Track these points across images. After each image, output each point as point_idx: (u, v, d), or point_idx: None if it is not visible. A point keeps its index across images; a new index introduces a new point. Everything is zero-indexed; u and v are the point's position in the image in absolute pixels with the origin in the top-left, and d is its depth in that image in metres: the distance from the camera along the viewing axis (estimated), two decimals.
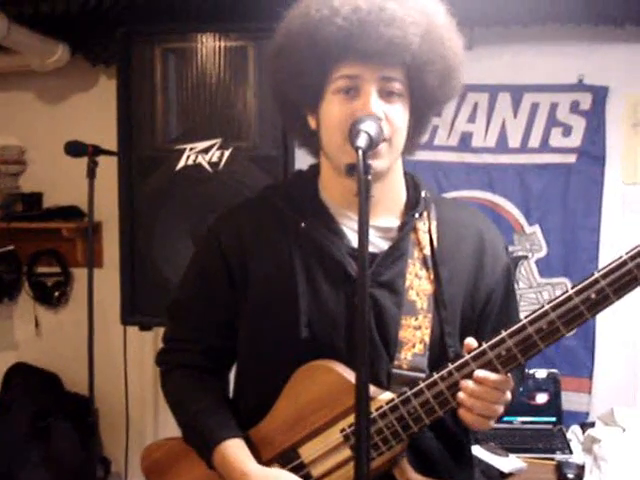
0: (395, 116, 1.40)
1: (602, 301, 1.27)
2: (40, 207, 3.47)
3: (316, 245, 1.47)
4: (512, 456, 2.72)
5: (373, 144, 1.29)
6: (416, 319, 1.45)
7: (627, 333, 3.04)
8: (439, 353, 1.44)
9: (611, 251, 3.09)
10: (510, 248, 3.15)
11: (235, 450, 1.47)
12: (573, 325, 1.29)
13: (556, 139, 3.10)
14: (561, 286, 3.10)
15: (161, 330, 3.26)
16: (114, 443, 3.41)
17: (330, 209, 1.51)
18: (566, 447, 2.82)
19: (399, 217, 1.51)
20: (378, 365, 1.43)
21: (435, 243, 1.49)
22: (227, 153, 2.54)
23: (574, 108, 3.07)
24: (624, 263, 1.26)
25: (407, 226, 1.49)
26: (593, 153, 3.07)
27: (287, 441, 1.47)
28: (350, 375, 1.39)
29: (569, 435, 2.96)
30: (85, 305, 2.87)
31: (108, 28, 2.77)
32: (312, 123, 1.48)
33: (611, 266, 1.27)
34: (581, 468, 2.65)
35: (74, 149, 2.79)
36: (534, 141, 3.11)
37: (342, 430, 1.42)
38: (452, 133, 3.14)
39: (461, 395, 1.34)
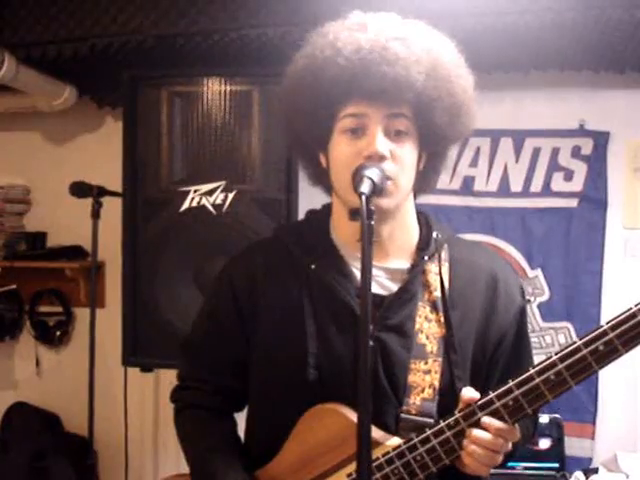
0: (402, 154, 1.40)
1: (610, 353, 1.27)
2: (44, 246, 3.48)
3: (325, 287, 1.46)
4: None
5: (377, 190, 1.30)
6: (425, 363, 1.43)
7: (630, 379, 3.03)
8: (449, 398, 1.42)
9: (613, 295, 3.09)
10: None
11: None
12: (581, 377, 1.29)
13: (558, 183, 3.12)
14: (564, 330, 3.09)
15: (162, 372, 3.31)
16: None
17: (340, 250, 1.51)
18: None
19: (410, 258, 1.50)
20: (386, 409, 1.42)
21: (447, 285, 1.48)
22: (231, 196, 2.55)
23: (575, 153, 3.10)
24: (633, 315, 1.25)
25: (417, 268, 1.47)
26: (595, 197, 3.09)
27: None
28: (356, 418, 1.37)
29: None
30: (86, 345, 2.86)
31: (115, 71, 2.80)
32: (323, 161, 1.50)
33: (620, 318, 1.26)
34: None
35: (79, 190, 2.80)
36: (536, 185, 3.13)
37: (349, 475, 1.41)
38: (454, 177, 3.16)
39: (465, 441, 1.33)
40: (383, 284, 1.47)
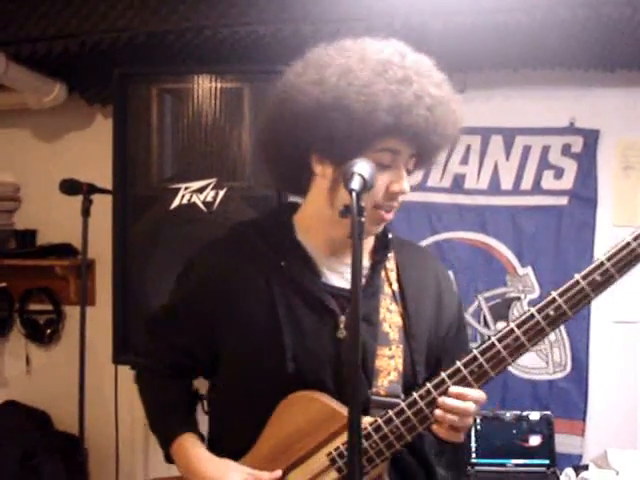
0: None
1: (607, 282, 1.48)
2: (34, 244, 3.47)
3: (296, 282, 1.54)
4: None
5: (367, 186, 1.31)
6: (390, 349, 1.55)
7: (620, 376, 3.04)
8: (411, 380, 1.55)
9: (603, 293, 3.10)
10: (503, 289, 3.17)
11: (192, 441, 1.59)
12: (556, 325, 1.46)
13: (548, 181, 3.13)
14: None
15: None
16: None
17: (308, 250, 1.58)
18: None
19: (369, 256, 1.61)
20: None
21: (402, 280, 1.62)
22: (221, 193, 2.55)
23: (566, 151, 3.11)
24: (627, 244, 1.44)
25: (379, 265, 1.60)
26: (585, 195, 3.10)
27: (275, 468, 1.52)
28: (332, 402, 1.49)
29: (562, 478, 2.93)
30: (77, 343, 2.85)
31: (105, 68, 2.79)
32: (319, 169, 1.50)
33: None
34: None
35: (69, 187, 2.79)
36: (526, 183, 3.14)
37: (328, 454, 1.49)
38: (445, 175, 3.17)
39: (437, 411, 1.45)
40: (348, 279, 1.45)
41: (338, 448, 1.48)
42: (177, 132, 2.62)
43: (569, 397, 3.06)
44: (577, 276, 1.44)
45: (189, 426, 1.63)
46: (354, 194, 1.26)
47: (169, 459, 1.63)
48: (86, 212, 2.78)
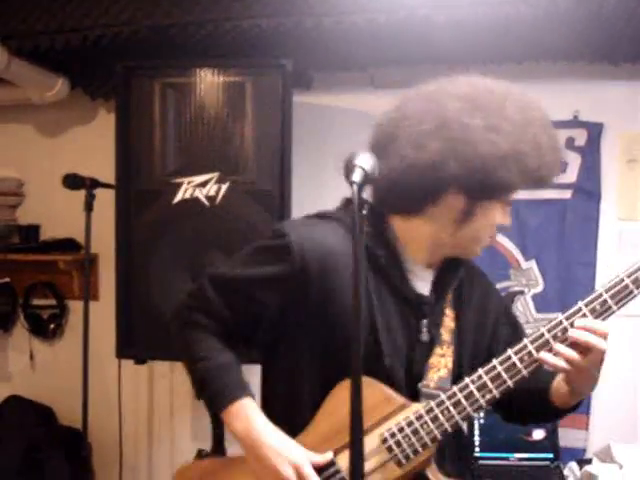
0: None
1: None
2: (37, 239, 3.47)
3: (391, 281, 1.59)
4: None
5: (369, 179, 1.30)
6: (441, 348, 1.65)
7: (624, 370, 3.03)
8: (456, 378, 1.61)
9: None
10: (506, 283, 3.16)
11: (255, 407, 1.57)
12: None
13: None
14: None
15: (156, 364, 3.30)
16: (107, 478, 3.37)
17: (401, 255, 1.61)
18: None
19: (440, 264, 1.67)
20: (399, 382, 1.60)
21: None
22: (224, 187, 2.55)
23: (569, 144, 3.09)
24: None
25: (453, 273, 1.68)
26: (588, 189, 3.09)
27: (326, 450, 1.54)
28: (386, 388, 1.55)
29: (566, 472, 2.93)
30: (80, 338, 2.86)
31: (108, 62, 2.79)
32: (456, 203, 1.52)
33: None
34: None
35: (72, 182, 2.80)
36: None
37: (380, 435, 1.54)
38: None
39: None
40: (429, 287, 1.65)
41: (390, 429, 1.53)
42: (180, 126, 2.62)
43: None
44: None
45: (250, 391, 1.59)
46: (355, 187, 1.26)
47: (216, 419, 1.65)
48: (89, 207, 2.79)
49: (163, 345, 2.61)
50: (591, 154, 3.09)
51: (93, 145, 3.33)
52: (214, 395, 1.58)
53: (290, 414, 1.62)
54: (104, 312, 3.02)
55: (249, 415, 1.55)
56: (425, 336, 1.63)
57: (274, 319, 1.59)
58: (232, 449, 2.72)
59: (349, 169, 1.30)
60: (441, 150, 1.46)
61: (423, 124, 1.49)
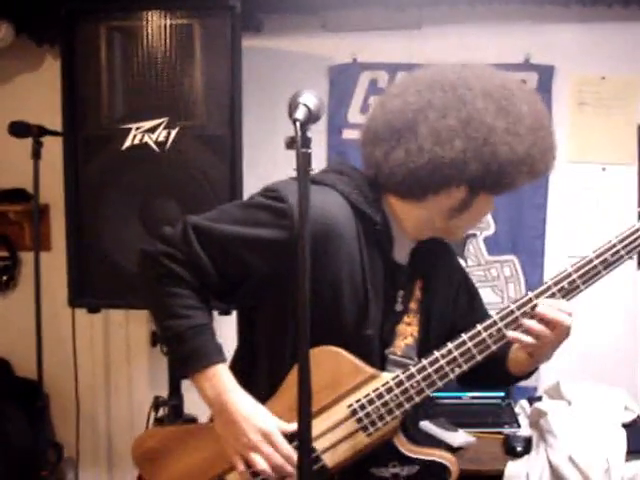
0: None
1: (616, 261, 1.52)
2: None
3: (381, 250, 1.60)
4: (461, 431, 2.77)
5: (312, 117, 1.29)
6: (408, 317, 1.67)
7: (574, 311, 3.09)
8: (422, 345, 1.66)
9: (557, 228, 3.15)
10: None
11: (228, 374, 1.54)
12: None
13: None
14: (509, 263, 3.15)
15: (111, 312, 3.29)
16: (66, 428, 3.37)
17: (389, 222, 1.62)
18: (514, 421, 2.88)
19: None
20: (375, 351, 1.62)
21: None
22: (174, 132, 2.51)
23: None
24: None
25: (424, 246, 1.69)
26: None
27: (293, 419, 1.49)
28: (355, 359, 1.56)
29: (517, 409, 3.01)
30: (34, 289, 2.83)
31: (53, 7, 2.71)
32: (458, 194, 1.53)
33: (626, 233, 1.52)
34: (528, 441, 2.71)
35: (18, 129, 2.74)
36: None
37: (349, 406, 1.55)
38: None
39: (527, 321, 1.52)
40: (406, 256, 1.67)
41: (359, 400, 1.55)
42: (127, 71, 2.57)
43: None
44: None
45: (223, 356, 1.56)
46: (298, 124, 1.24)
47: (182, 377, 1.61)
48: (37, 155, 2.73)
49: (116, 293, 2.63)
50: (542, 97, 3.01)
51: (40, 93, 3.24)
52: (187, 356, 1.53)
53: (257, 378, 1.61)
54: (57, 262, 2.99)
55: (221, 380, 1.53)
56: (399, 307, 1.66)
57: (258, 283, 1.55)
58: (188, 395, 2.76)
59: (293, 107, 1.28)
60: (464, 149, 1.47)
61: (447, 118, 1.48)
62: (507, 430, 2.81)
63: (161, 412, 2.81)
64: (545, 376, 3.09)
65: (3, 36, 3.13)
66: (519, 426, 2.84)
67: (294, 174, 1.31)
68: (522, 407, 3.03)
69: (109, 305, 2.80)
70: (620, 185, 3.14)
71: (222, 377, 1.53)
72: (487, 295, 3.13)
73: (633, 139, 3.14)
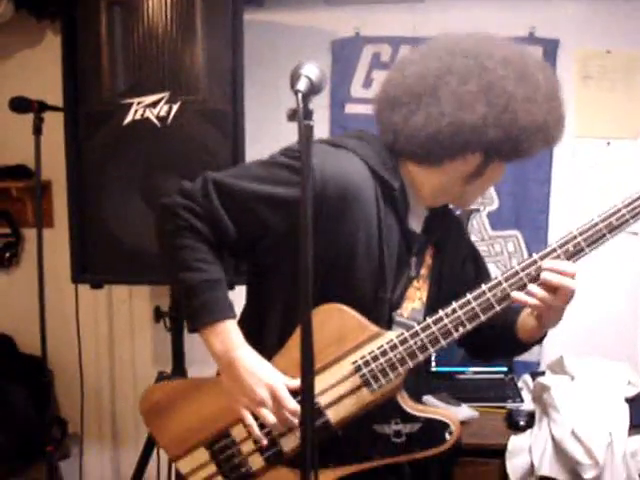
0: None
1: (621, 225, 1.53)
2: None
3: (398, 215, 1.62)
4: (464, 405, 2.78)
5: (314, 89, 1.28)
6: (418, 282, 1.72)
7: (577, 285, 3.09)
8: (429, 311, 1.67)
9: (561, 203, 3.14)
10: None
11: (237, 330, 1.58)
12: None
13: None
14: (512, 238, 3.14)
15: (115, 290, 3.29)
16: (70, 404, 3.39)
17: (406, 188, 1.63)
18: (517, 395, 2.89)
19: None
20: (384, 312, 1.65)
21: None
22: (175, 107, 2.49)
23: None
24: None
25: (441, 212, 1.75)
26: None
27: (296, 376, 1.53)
28: (361, 316, 1.58)
29: (520, 384, 3.02)
30: (37, 265, 2.82)
31: None
32: (473, 160, 1.56)
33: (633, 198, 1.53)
34: (531, 415, 2.72)
35: (19, 105, 2.71)
36: None
37: (354, 362, 1.58)
38: None
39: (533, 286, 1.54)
40: (420, 224, 1.71)
41: (364, 357, 1.58)
42: (128, 45, 2.53)
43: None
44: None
45: (234, 312, 1.60)
46: (299, 96, 1.23)
47: (192, 331, 1.59)
48: (38, 130, 2.71)
49: (119, 269, 2.63)
50: None
51: (40, 68, 3.22)
52: (198, 310, 1.56)
53: (266, 335, 1.64)
54: (60, 238, 2.98)
55: (230, 336, 1.56)
56: (412, 272, 1.70)
57: (275, 241, 1.58)
58: (192, 370, 2.76)
59: (295, 78, 1.27)
60: (485, 114, 1.48)
61: (468, 84, 1.49)
62: (510, 405, 2.82)
63: None
64: (548, 351, 3.10)
65: (3, 12, 3.10)
66: (522, 401, 2.85)
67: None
68: (525, 382, 3.04)
69: (112, 281, 2.80)
70: (625, 159, 3.12)
71: (231, 333, 1.56)
72: (491, 270, 3.10)
73: (638, 113, 3.12)
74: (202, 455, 1.68)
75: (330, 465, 1.61)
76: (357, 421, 1.60)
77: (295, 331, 1.57)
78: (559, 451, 2.54)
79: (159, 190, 2.52)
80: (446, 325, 1.56)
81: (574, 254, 1.54)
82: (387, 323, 1.65)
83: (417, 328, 1.57)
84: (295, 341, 1.56)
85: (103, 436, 3.51)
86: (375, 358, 1.57)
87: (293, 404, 1.54)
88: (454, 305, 1.56)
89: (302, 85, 1.25)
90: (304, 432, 1.28)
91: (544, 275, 1.52)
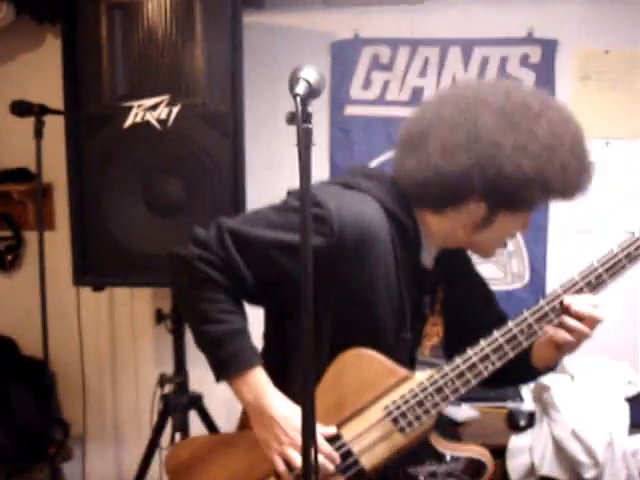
0: None
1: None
2: None
3: (411, 254, 1.62)
4: (465, 405, 2.79)
5: (313, 92, 1.28)
6: (433, 317, 1.73)
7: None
8: (446, 345, 1.74)
9: (561, 203, 3.13)
10: None
11: (266, 377, 1.56)
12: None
13: None
14: (512, 239, 3.14)
15: (116, 292, 3.30)
16: (72, 406, 3.39)
17: (419, 229, 1.62)
18: (517, 395, 2.89)
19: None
20: (405, 354, 1.65)
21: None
22: (175, 110, 2.50)
23: (524, 62, 3.08)
24: None
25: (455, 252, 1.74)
26: None
27: (329, 422, 1.56)
28: (387, 360, 1.57)
29: None
30: (39, 268, 2.83)
31: None
32: (478, 211, 1.54)
33: None
34: (531, 415, 2.72)
35: (20, 108, 2.73)
36: None
37: (385, 407, 1.56)
38: (403, 88, 3.13)
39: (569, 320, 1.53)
40: (430, 260, 1.69)
41: (395, 402, 1.56)
42: (128, 48, 2.55)
43: (527, 305, 3.12)
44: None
45: (261, 360, 1.57)
46: (298, 99, 1.24)
47: (219, 380, 1.56)
48: (39, 133, 2.73)
49: (120, 271, 2.64)
50: (545, 71, 3.08)
51: (41, 72, 3.24)
52: (225, 361, 1.54)
53: (291, 381, 1.60)
54: (61, 241, 3.01)
55: (260, 384, 1.55)
56: (426, 310, 1.71)
57: (294, 287, 1.44)
58: (193, 372, 2.77)
59: (293, 81, 1.27)
60: (468, 164, 1.47)
61: (455, 134, 1.48)
62: (510, 404, 2.83)
63: (166, 389, 2.82)
64: None
65: (4, 15, 3.11)
66: (522, 400, 2.85)
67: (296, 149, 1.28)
68: None
69: (113, 283, 2.82)
70: (624, 160, 3.13)
71: (260, 381, 1.55)
72: (490, 270, 3.12)
73: (637, 113, 3.12)
74: None
75: None
76: (391, 465, 1.59)
77: (324, 376, 1.56)
78: (559, 451, 2.55)
79: (160, 192, 2.54)
80: (475, 364, 1.54)
81: (596, 286, 1.54)
82: (410, 363, 1.66)
83: (447, 369, 1.55)
84: (324, 387, 1.55)
85: (105, 438, 3.52)
86: (406, 402, 1.56)
87: (328, 448, 1.53)
88: (482, 344, 1.55)
89: (301, 89, 1.26)
90: (305, 465, 1.28)
91: (575, 307, 1.52)
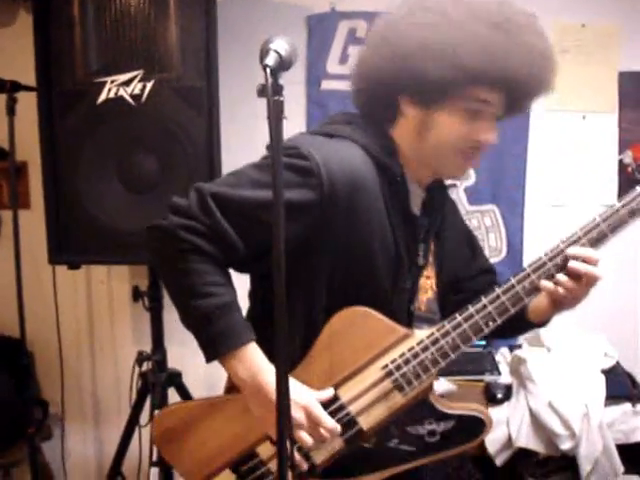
0: None
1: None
2: None
3: (401, 200, 1.57)
4: (443, 379, 2.79)
5: (284, 64, 1.26)
6: (426, 270, 1.69)
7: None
8: (442, 297, 1.73)
9: (537, 178, 3.15)
10: None
11: (260, 352, 1.50)
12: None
13: None
14: (490, 213, 3.16)
15: (93, 270, 3.28)
16: (51, 385, 3.38)
17: (403, 167, 1.58)
18: (495, 369, 2.91)
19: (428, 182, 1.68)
20: (402, 307, 1.62)
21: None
22: (149, 85, 2.47)
23: None
24: None
25: (441, 190, 1.74)
26: None
27: (326, 384, 1.54)
28: (385, 318, 1.54)
29: (498, 357, 3.05)
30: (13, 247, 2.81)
31: None
32: (409, 110, 1.53)
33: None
34: (508, 388, 2.74)
35: None
36: None
37: (384, 367, 1.54)
38: None
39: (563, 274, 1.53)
40: (419, 207, 1.66)
41: (394, 360, 1.53)
42: (100, 23, 2.50)
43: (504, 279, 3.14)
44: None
45: (253, 334, 1.50)
46: (268, 70, 1.20)
47: (210, 359, 1.49)
48: (11, 111, 2.68)
49: (96, 249, 2.62)
50: None
51: (14, 48, 3.18)
52: (216, 338, 1.47)
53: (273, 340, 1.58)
54: (36, 220, 2.96)
55: (255, 361, 1.49)
56: (421, 260, 1.66)
57: (286, 248, 1.33)
58: (172, 349, 2.77)
59: (264, 53, 1.24)
60: (384, 66, 1.48)
61: (379, 48, 1.51)
62: (488, 378, 2.85)
63: (145, 367, 2.82)
64: None
65: None
66: (499, 373, 2.87)
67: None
68: (502, 355, 3.07)
69: (89, 261, 2.80)
70: (600, 133, 3.14)
71: (255, 357, 1.49)
72: None
73: (614, 87, 3.13)
74: (228, 478, 1.61)
75: (365, 472, 1.59)
76: (390, 425, 1.58)
77: (317, 339, 1.53)
78: (536, 423, 2.58)
79: (135, 168, 2.52)
80: (477, 322, 1.53)
81: (598, 240, 1.54)
82: (407, 317, 1.63)
83: (448, 327, 1.53)
84: (318, 349, 1.53)
85: (85, 416, 3.51)
86: (407, 361, 1.53)
87: (330, 422, 1.50)
88: (484, 300, 1.53)
89: (271, 60, 1.22)
90: (280, 439, 1.26)
91: (571, 264, 1.52)
